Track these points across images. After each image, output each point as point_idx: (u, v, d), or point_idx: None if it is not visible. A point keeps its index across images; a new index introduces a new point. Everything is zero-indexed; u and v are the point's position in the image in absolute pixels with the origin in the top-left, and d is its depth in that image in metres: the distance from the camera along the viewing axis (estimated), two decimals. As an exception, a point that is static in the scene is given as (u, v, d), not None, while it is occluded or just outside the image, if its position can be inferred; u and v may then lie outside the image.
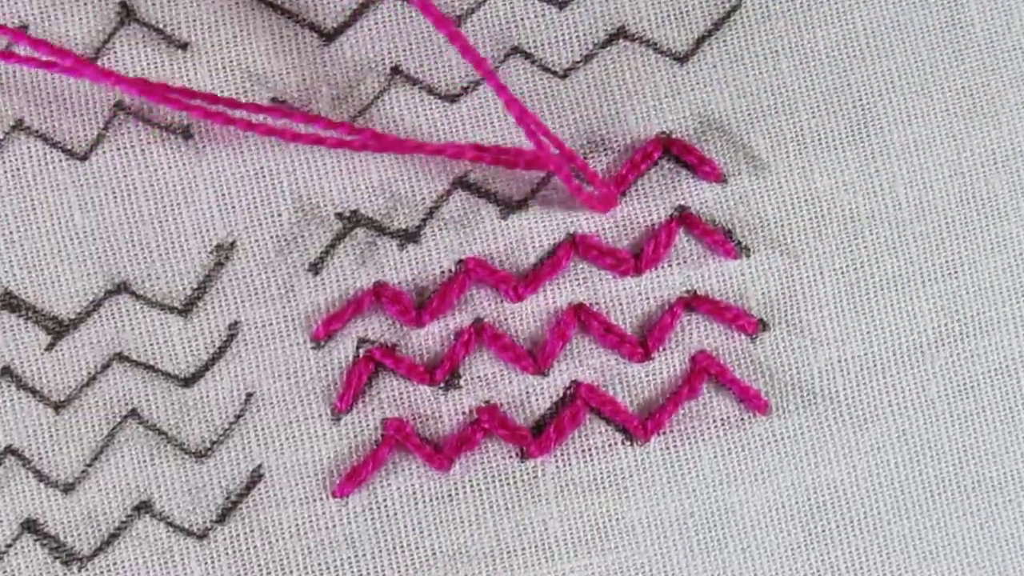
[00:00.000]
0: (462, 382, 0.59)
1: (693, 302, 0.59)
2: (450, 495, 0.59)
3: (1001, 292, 0.60)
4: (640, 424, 0.59)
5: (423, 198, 0.59)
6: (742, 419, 0.59)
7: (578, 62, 0.60)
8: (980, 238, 0.60)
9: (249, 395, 0.58)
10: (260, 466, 0.58)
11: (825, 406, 0.59)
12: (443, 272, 0.59)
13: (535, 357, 0.59)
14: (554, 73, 0.60)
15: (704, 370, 0.59)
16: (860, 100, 0.60)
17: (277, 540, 0.58)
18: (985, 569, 0.60)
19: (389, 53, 0.60)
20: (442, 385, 0.59)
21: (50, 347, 0.58)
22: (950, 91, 0.61)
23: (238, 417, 0.58)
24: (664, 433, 0.59)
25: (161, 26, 0.59)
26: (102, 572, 0.58)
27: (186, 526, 0.58)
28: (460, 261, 0.59)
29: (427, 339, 0.59)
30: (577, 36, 0.60)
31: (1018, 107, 0.61)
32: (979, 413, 0.60)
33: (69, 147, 0.59)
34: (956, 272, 0.60)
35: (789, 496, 0.59)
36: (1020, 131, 0.61)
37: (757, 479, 0.59)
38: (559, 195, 0.60)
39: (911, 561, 0.60)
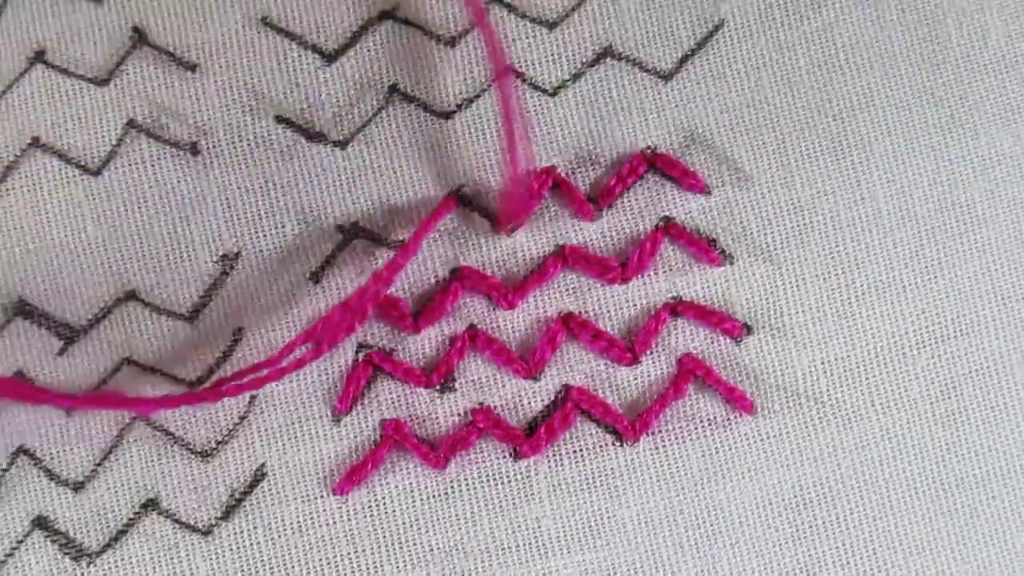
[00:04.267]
0: (457, 385, 0.61)
1: (679, 307, 0.61)
2: (446, 493, 0.61)
3: (980, 296, 0.62)
4: (629, 425, 0.61)
5: (419, 211, 0.62)
6: (729, 419, 0.61)
7: (567, 80, 0.63)
8: (959, 244, 0.62)
9: (252, 397, 0.61)
10: (263, 465, 0.60)
11: (810, 406, 0.61)
12: (438, 280, 0.62)
13: (527, 362, 0.61)
14: (544, 91, 0.63)
15: (690, 372, 0.61)
16: (841, 114, 0.62)
17: (279, 536, 0.60)
18: (969, 564, 0.61)
19: (387, 72, 0.62)
20: (438, 388, 0.61)
21: (62, 352, 0.61)
22: (929, 104, 0.63)
23: (242, 418, 0.61)
24: (653, 433, 0.61)
25: (171, 49, 0.62)
26: (110, 568, 0.60)
27: (192, 523, 0.60)
28: (454, 270, 0.61)
29: (423, 344, 0.61)
30: (566, 55, 0.63)
31: (995, 118, 0.63)
32: (961, 412, 0.61)
33: (83, 163, 0.61)
34: (936, 277, 0.62)
35: (776, 494, 0.61)
36: (997, 141, 0.63)
37: (744, 477, 0.61)
38: (548, 211, 0.62)
39: (896, 557, 0.61)
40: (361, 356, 0.61)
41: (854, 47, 0.63)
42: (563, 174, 0.62)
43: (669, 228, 0.62)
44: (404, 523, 0.60)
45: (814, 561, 0.61)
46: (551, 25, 0.63)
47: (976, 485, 0.61)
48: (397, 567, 0.60)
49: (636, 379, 0.61)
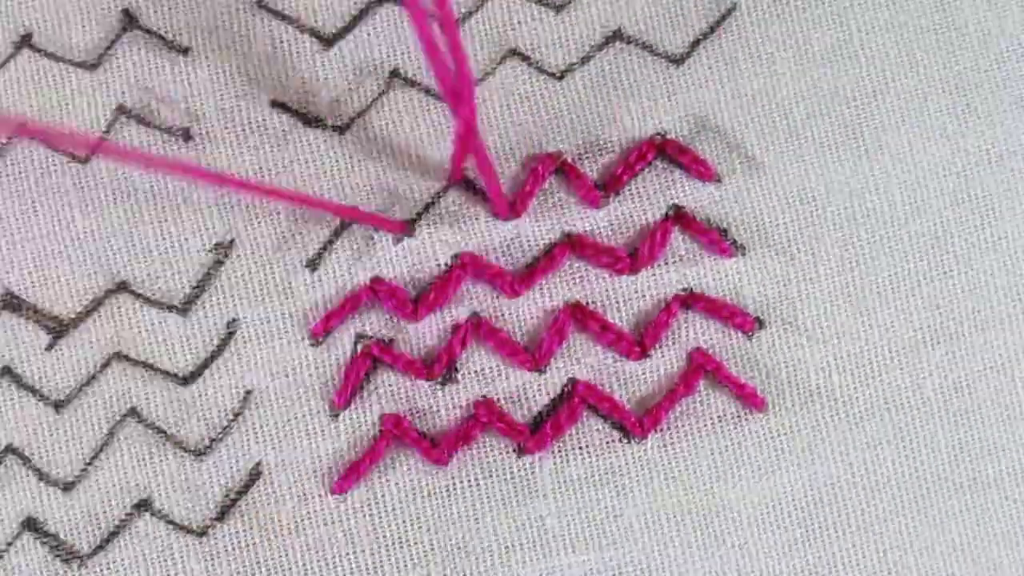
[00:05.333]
0: (459, 376, 0.60)
1: (689, 300, 0.60)
2: (448, 490, 0.59)
3: (995, 291, 0.61)
4: (637, 421, 0.59)
5: (419, 195, 0.60)
6: (739, 416, 0.60)
7: (575, 64, 0.61)
8: (975, 237, 0.61)
9: (248, 392, 0.59)
10: (259, 463, 0.59)
11: (821, 403, 0.60)
12: (439, 266, 0.60)
13: (532, 354, 0.59)
14: (551, 75, 0.61)
15: (701, 367, 0.59)
16: (854, 101, 0.61)
17: (276, 537, 0.59)
18: (981, 565, 0.60)
19: (388, 57, 0.60)
20: (439, 380, 0.59)
21: (50, 346, 0.59)
22: (944, 92, 0.61)
23: (237, 415, 0.59)
24: (661, 430, 0.60)
25: (162, 32, 0.60)
26: (102, 570, 0.58)
27: (186, 524, 0.59)
28: (456, 255, 0.60)
29: (424, 333, 0.60)
30: (574, 39, 0.61)
31: (1012, 107, 0.61)
32: (974, 410, 0.60)
33: (71, 150, 0.59)
34: (951, 271, 0.61)
35: (786, 492, 0.60)
36: (1014, 131, 0.61)
37: (754, 475, 0.60)
38: (554, 197, 0.60)
39: (907, 557, 0.60)
40: (360, 348, 0.59)
41: (869, 33, 0.61)
42: (570, 159, 0.60)
43: (679, 217, 0.60)
44: (404, 522, 0.59)
45: (824, 562, 0.60)
46: (558, 8, 0.61)
47: (989, 485, 0.60)
48: (397, 567, 0.59)
49: (645, 374, 0.60)
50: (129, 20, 0.60)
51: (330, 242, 0.60)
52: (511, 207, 0.60)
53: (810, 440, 0.60)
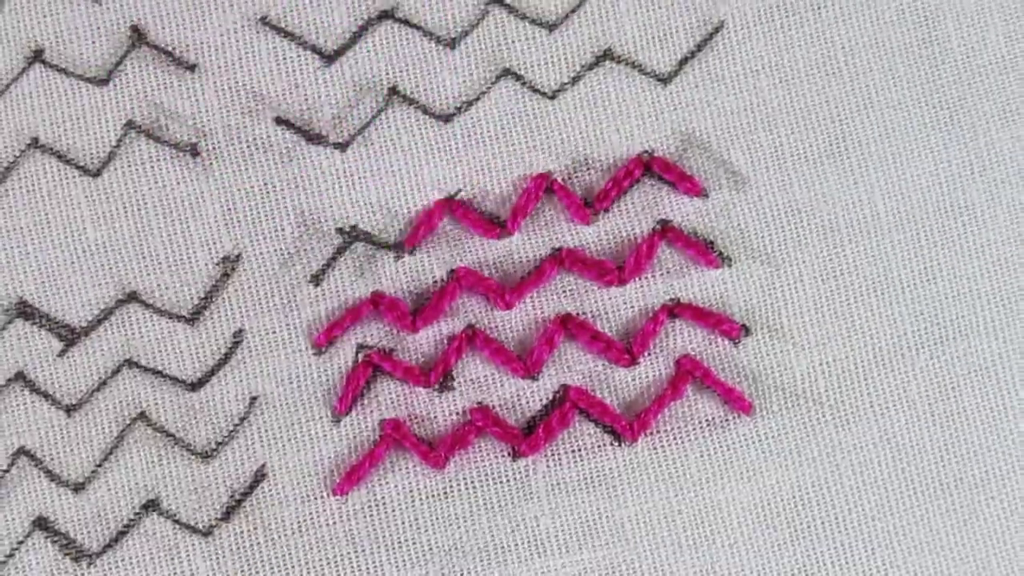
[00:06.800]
0: (456, 384, 0.61)
1: (676, 309, 0.62)
2: (445, 492, 0.61)
3: (978, 297, 0.62)
4: (628, 425, 0.61)
5: (416, 211, 0.62)
6: (727, 420, 0.61)
7: (566, 83, 0.63)
8: (958, 246, 0.62)
9: (253, 399, 0.61)
10: (263, 466, 0.61)
11: (808, 407, 0.61)
12: (436, 281, 0.62)
13: (525, 362, 0.61)
14: (543, 94, 0.63)
15: (688, 372, 0.61)
16: (839, 116, 0.63)
17: (279, 537, 0.60)
18: (968, 564, 0.61)
19: (387, 74, 0.63)
20: (437, 387, 0.61)
21: (63, 353, 0.61)
22: (927, 105, 0.63)
23: (243, 419, 0.61)
24: (651, 434, 0.61)
25: (170, 48, 0.62)
26: (111, 568, 0.60)
27: (192, 524, 0.60)
28: (451, 271, 0.62)
29: (422, 343, 0.62)
30: (565, 58, 0.63)
31: (994, 119, 0.63)
32: (959, 413, 0.62)
33: (82, 164, 0.62)
34: (935, 278, 0.62)
35: (774, 494, 0.61)
36: (996, 143, 0.63)
37: (742, 478, 0.61)
38: (544, 215, 0.62)
39: (895, 557, 0.61)
40: (361, 357, 0.61)
41: (853, 48, 0.63)
42: (560, 178, 0.62)
43: (666, 231, 0.62)
44: (403, 523, 0.61)
45: (812, 561, 0.61)
46: (551, 27, 0.63)
47: (974, 486, 0.61)
48: (397, 567, 0.60)
49: (634, 380, 0.62)
50: (138, 36, 0.62)
51: (333, 258, 0.62)
52: (504, 226, 0.62)
53: (797, 442, 0.61)
